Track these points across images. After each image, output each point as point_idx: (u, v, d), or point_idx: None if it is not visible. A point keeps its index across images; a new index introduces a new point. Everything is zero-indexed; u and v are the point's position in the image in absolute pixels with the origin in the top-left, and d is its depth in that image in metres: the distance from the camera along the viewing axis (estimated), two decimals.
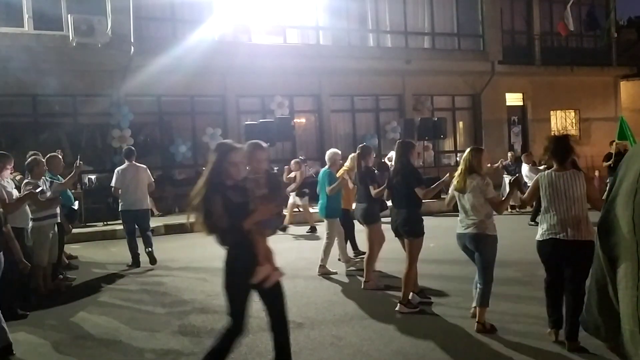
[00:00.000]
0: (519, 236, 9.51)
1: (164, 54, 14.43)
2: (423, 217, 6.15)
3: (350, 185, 7.83)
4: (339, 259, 8.45)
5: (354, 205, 7.99)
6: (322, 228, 12.96)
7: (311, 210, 12.73)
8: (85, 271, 8.99)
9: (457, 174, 5.39)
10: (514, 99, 21.63)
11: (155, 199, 14.98)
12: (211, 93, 16.75)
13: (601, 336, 0.78)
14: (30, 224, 6.77)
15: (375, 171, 7.55)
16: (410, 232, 5.99)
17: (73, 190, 9.94)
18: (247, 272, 3.81)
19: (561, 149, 4.75)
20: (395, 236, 6.28)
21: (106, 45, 14.41)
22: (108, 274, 8.78)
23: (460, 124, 20.87)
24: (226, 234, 3.87)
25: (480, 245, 5.22)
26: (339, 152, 8.61)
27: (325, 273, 7.94)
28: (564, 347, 4.72)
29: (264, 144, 4.49)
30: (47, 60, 13.88)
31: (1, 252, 5.13)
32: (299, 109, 18.21)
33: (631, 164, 0.71)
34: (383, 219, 7.38)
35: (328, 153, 8.41)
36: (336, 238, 8.10)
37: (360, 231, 7.91)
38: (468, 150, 5.43)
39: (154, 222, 13.31)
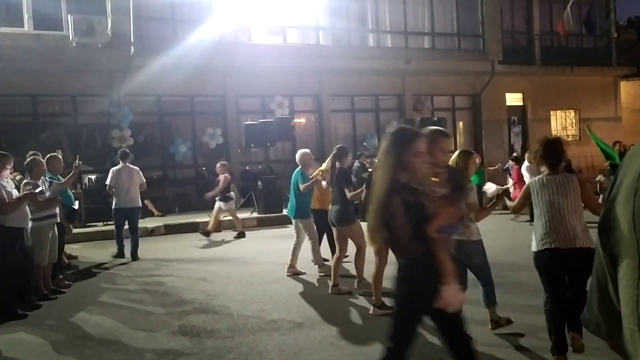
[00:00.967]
0: (520, 237, 9.50)
1: (164, 54, 14.43)
2: None
3: (324, 185, 7.69)
4: (312, 260, 8.30)
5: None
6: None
7: (238, 215, 12.52)
8: (85, 271, 9.00)
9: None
10: (514, 99, 21.63)
11: (155, 199, 15.00)
12: (211, 93, 16.75)
13: (602, 335, 0.79)
14: (30, 224, 6.77)
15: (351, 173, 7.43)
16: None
17: (73, 190, 9.96)
18: (430, 292, 3.01)
19: (552, 152, 4.46)
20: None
21: (106, 45, 14.41)
22: (108, 274, 8.78)
23: (460, 124, 20.87)
24: (407, 246, 3.09)
25: (465, 252, 4.96)
26: (309, 151, 8.50)
27: (294, 273, 7.93)
28: None
29: (447, 131, 3.85)
30: (47, 60, 13.89)
31: None
32: (299, 109, 18.21)
33: (631, 163, 0.71)
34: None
35: (298, 154, 8.31)
36: (311, 240, 8.01)
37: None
38: (457, 152, 5.22)
39: (154, 222, 13.36)
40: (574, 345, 4.47)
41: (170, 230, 12.91)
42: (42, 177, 7.29)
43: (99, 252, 10.65)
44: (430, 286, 2.99)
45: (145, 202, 14.58)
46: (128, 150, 10.48)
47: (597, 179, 13.89)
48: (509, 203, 5.05)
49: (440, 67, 19.01)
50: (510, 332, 5.20)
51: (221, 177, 11.56)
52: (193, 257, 9.89)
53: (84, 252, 10.54)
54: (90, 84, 14.88)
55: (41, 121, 14.98)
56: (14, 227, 6.33)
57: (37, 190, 6.62)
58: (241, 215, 14.01)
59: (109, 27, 14.46)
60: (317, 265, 8.06)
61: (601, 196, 14.21)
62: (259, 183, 14.30)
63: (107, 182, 9.75)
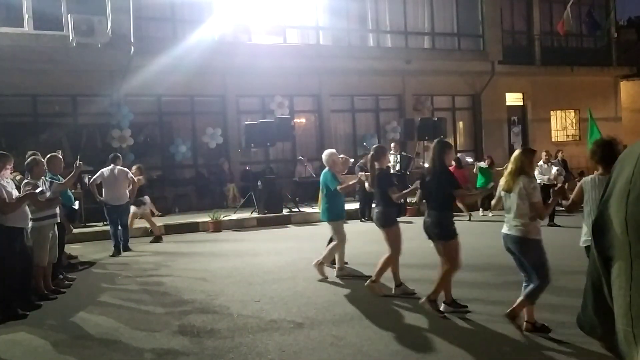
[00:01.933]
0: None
1: (164, 54, 14.43)
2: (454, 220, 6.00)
3: (367, 187, 7.56)
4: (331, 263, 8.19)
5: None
6: (321, 230, 12.97)
7: (154, 219, 12.39)
8: (85, 271, 9.01)
9: (506, 173, 5.31)
10: (514, 99, 21.62)
11: (155, 199, 15.00)
12: (211, 93, 16.75)
13: (597, 336, 0.79)
14: (30, 224, 6.77)
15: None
16: (441, 234, 5.85)
17: (73, 191, 9.98)
18: None
19: (610, 153, 4.72)
20: (428, 238, 6.10)
21: (106, 45, 14.41)
22: (108, 274, 8.79)
23: (460, 124, 20.87)
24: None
25: (522, 249, 5.10)
26: (335, 151, 8.39)
27: (345, 275, 7.74)
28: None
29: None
30: (47, 60, 13.89)
31: None
32: (299, 109, 18.21)
33: (625, 165, 0.72)
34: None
35: (325, 154, 8.16)
36: (335, 242, 7.83)
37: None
38: (520, 151, 5.33)
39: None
40: None
41: (170, 230, 12.91)
42: (43, 177, 7.29)
43: (99, 252, 10.66)
44: None
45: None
46: (119, 155, 11.14)
47: None
48: (564, 202, 5.28)
49: (440, 67, 19.01)
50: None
51: (136, 180, 11.14)
52: (193, 257, 9.89)
53: (84, 252, 10.54)
54: (90, 84, 14.88)
55: (41, 121, 14.98)
56: (14, 227, 6.32)
57: (37, 190, 6.61)
58: (241, 215, 14.05)
59: (109, 27, 14.46)
60: (337, 267, 7.84)
61: None
62: (259, 183, 14.30)
63: (91, 180, 10.68)
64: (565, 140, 22.28)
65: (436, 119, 17.80)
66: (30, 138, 13.76)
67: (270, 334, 5.42)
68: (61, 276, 8.06)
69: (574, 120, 22.84)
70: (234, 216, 13.94)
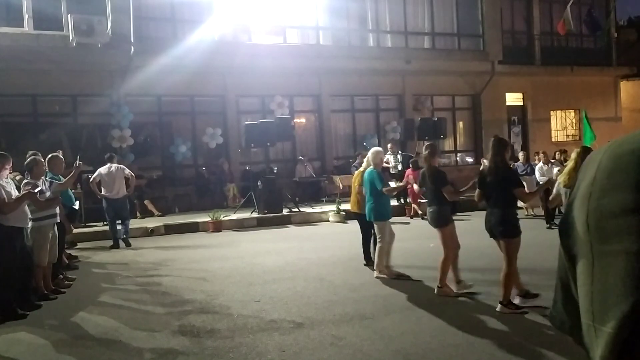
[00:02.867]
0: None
1: (164, 54, 14.44)
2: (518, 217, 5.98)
3: (416, 187, 7.44)
4: (365, 264, 8.21)
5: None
6: (321, 230, 12.98)
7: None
8: (85, 271, 9.00)
9: (565, 170, 5.41)
10: (514, 99, 21.62)
11: (155, 199, 15.00)
12: (211, 93, 16.75)
13: (566, 330, 0.85)
14: (30, 224, 6.77)
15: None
16: (505, 232, 5.79)
17: (73, 191, 9.99)
18: None
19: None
20: (490, 237, 6.05)
21: (106, 45, 14.41)
22: (108, 274, 8.79)
23: (460, 124, 20.87)
24: None
25: None
26: (382, 150, 8.22)
27: (399, 275, 7.51)
28: None
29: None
30: (47, 60, 13.89)
31: None
32: (299, 109, 18.21)
33: (588, 169, 0.77)
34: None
35: (371, 153, 7.85)
36: (380, 243, 7.58)
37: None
38: (580, 149, 5.47)
39: (154, 222, 13.36)
40: None
41: (170, 230, 12.91)
42: (43, 177, 7.29)
43: (99, 252, 10.67)
44: None
45: (145, 202, 14.60)
46: (114, 154, 11.76)
47: None
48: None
49: (440, 67, 19.01)
50: None
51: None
52: (193, 257, 9.89)
53: (84, 252, 10.55)
54: (90, 84, 14.88)
55: (41, 121, 14.98)
56: (14, 227, 6.32)
57: (36, 190, 6.61)
58: (241, 215, 14.04)
59: (109, 27, 14.46)
60: (386, 265, 7.65)
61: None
62: (259, 183, 14.30)
63: (91, 179, 11.31)
64: (565, 140, 22.28)
65: (436, 119, 17.81)
66: (30, 138, 13.76)
67: (270, 334, 5.42)
68: (61, 276, 8.06)
69: (573, 120, 22.83)
70: (234, 216, 13.94)
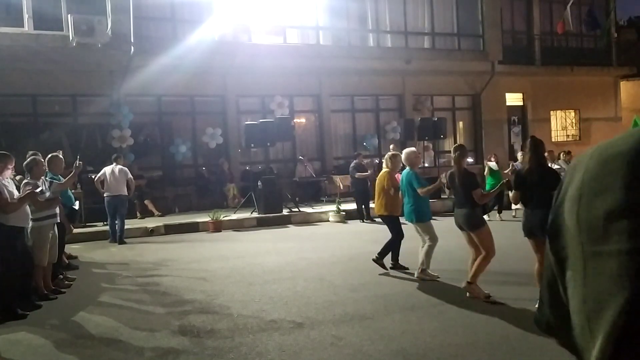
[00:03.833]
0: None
1: (164, 54, 14.44)
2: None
3: (446, 190, 7.39)
4: (391, 266, 8.06)
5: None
6: (321, 230, 12.97)
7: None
8: (85, 271, 9.01)
9: None
10: (514, 99, 21.63)
11: (155, 199, 15.01)
12: (211, 93, 16.75)
13: (553, 333, 0.87)
14: (30, 224, 6.77)
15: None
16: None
17: (73, 191, 10.00)
18: None
19: None
20: (528, 237, 5.89)
21: (106, 45, 14.40)
22: (108, 274, 8.79)
23: (460, 124, 20.87)
24: None
25: None
26: (416, 150, 8.10)
27: (427, 277, 7.38)
28: None
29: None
30: (47, 60, 13.89)
31: None
32: (299, 109, 18.21)
33: (575, 172, 0.79)
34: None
35: (406, 153, 7.79)
36: (429, 243, 7.44)
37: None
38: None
39: (154, 222, 13.37)
40: None
41: (170, 230, 12.91)
42: (42, 177, 7.29)
43: (99, 252, 10.67)
44: None
45: (146, 202, 14.61)
46: (120, 155, 12.49)
47: None
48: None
49: (440, 67, 19.01)
50: None
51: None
52: (193, 257, 9.89)
53: (84, 252, 10.55)
54: (90, 84, 14.88)
55: (41, 121, 14.98)
56: (15, 227, 6.32)
57: (37, 190, 6.61)
58: (241, 215, 14.05)
59: (109, 27, 14.46)
60: (421, 269, 7.48)
61: None
62: (259, 183, 14.30)
63: (96, 178, 11.95)
64: (565, 140, 22.30)
65: (436, 119, 17.82)
66: (30, 138, 13.75)
67: (270, 334, 5.42)
68: (61, 276, 8.06)
69: (574, 120, 22.84)
70: (234, 216, 13.94)
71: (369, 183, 13.15)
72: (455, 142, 20.30)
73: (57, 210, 7.38)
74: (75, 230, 10.48)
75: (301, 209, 14.62)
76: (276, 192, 14.39)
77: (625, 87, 24.08)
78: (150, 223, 13.24)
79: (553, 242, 0.81)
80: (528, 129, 21.69)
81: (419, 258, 7.50)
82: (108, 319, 6.20)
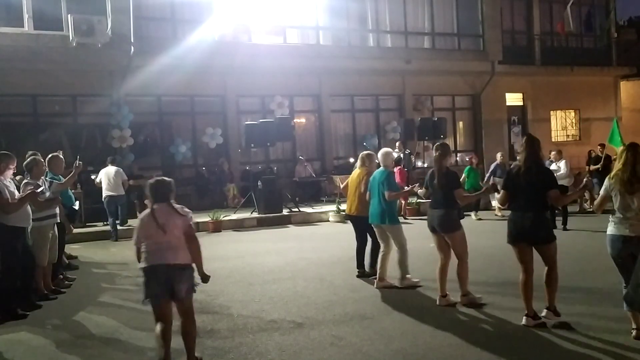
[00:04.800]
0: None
1: (164, 54, 14.44)
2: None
3: (423, 192, 7.06)
4: (358, 274, 7.73)
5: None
6: (321, 230, 12.96)
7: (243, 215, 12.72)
8: (85, 271, 9.00)
9: (616, 169, 5.02)
10: (514, 99, 21.63)
11: None
12: (211, 93, 16.76)
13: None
14: (30, 224, 6.76)
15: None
16: (548, 237, 5.38)
17: (73, 191, 9.99)
18: None
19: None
20: (513, 244, 5.50)
21: (106, 45, 14.41)
22: (108, 274, 8.79)
23: (460, 124, 20.87)
24: None
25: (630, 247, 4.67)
26: (392, 151, 7.76)
27: (410, 285, 7.07)
28: None
29: None
30: (47, 60, 13.89)
31: None
32: (299, 109, 18.21)
33: None
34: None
35: (382, 154, 7.33)
36: (399, 250, 7.12)
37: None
38: (624, 147, 5.19)
39: None
40: None
41: None
42: (42, 177, 7.29)
43: (99, 252, 10.66)
44: None
45: (146, 202, 14.57)
46: (114, 157, 13.20)
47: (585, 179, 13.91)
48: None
49: (440, 67, 19.02)
50: None
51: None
52: None
53: (84, 252, 10.54)
54: (90, 84, 14.88)
55: (41, 121, 14.98)
56: (16, 227, 6.32)
57: (38, 191, 6.61)
58: (241, 215, 14.04)
59: (109, 27, 14.46)
60: (400, 278, 7.14)
61: (587, 194, 14.23)
62: (259, 183, 14.30)
63: (97, 179, 12.46)
64: (565, 140, 22.31)
65: (436, 119, 17.82)
66: (30, 138, 13.75)
67: (270, 334, 5.42)
68: (61, 276, 8.05)
69: (574, 120, 22.85)
70: (234, 216, 13.94)
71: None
72: (455, 142, 20.34)
73: (57, 210, 7.38)
74: (75, 230, 10.46)
75: (301, 209, 14.62)
76: (276, 192, 14.39)
77: (625, 87, 24.08)
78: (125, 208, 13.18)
79: None
80: (528, 129, 21.67)
81: (378, 268, 7.16)
82: (108, 318, 6.20)
